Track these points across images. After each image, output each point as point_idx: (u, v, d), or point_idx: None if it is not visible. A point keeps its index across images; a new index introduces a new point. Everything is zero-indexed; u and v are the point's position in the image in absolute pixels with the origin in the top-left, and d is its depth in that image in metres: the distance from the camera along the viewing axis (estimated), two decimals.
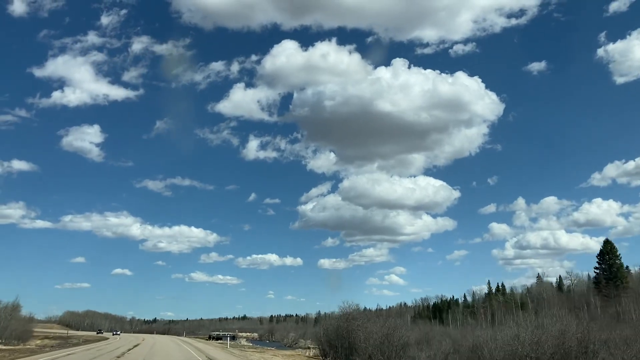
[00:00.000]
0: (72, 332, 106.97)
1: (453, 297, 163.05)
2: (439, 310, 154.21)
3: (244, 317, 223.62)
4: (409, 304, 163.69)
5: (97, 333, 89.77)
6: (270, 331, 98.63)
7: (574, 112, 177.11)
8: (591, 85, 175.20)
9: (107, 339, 79.86)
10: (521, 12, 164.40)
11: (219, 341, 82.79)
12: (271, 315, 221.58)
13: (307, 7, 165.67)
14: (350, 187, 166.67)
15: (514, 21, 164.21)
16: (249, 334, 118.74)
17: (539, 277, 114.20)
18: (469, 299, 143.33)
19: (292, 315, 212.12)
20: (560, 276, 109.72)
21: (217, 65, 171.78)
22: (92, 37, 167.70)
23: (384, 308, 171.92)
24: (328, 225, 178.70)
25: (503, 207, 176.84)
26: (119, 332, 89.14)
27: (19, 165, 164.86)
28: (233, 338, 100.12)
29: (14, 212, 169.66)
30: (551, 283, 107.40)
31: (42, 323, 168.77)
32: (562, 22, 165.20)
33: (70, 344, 62.74)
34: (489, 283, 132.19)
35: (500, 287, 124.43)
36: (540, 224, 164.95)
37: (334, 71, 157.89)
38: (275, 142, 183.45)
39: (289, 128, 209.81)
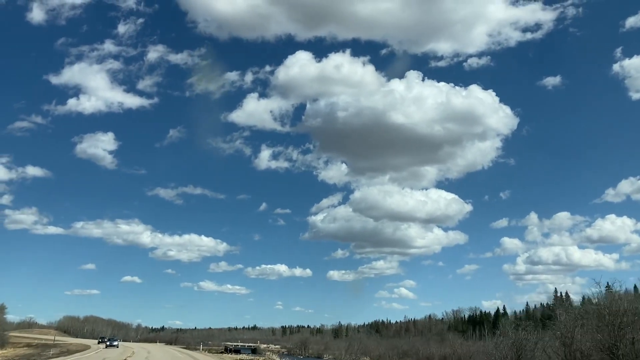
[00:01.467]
0: (63, 339, 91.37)
1: (499, 309, 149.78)
2: (477, 323, 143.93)
3: (255, 327, 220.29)
4: (439, 316, 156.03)
5: (99, 342, 70.44)
6: (303, 343, 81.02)
7: (588, 128, 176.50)
8: (606, 100, 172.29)
9: (88, 348, 63.24)
10: (537, 27, 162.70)
11: (237, 356, 65.85)
12: (284, 326, 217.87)
13: (321, 18, 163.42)
14: (361, 198, 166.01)
15: (529, 35, 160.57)
16: (271, 345, 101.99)
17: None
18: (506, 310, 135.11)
19: (304, 327, 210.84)
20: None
21: (232, 75, 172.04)
22: (108, 46, 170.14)
23: (399, 321, 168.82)
24: (338, 237, 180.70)
25: (515, 221, 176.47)
26: (116, 341, 69.44)
27: (33, 171, 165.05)
28: (254, 351, 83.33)
29: (27, 217, 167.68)
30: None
31: (40, 328, 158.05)
32: (577, 36, 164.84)
33: (43, 356, 46.86)
34: (555, 291, 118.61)
35: (562, 295, 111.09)
36: (552, 240, 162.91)
37: (347, 82, 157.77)
38: (287, 152, 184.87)
39: (301, 139, 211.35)
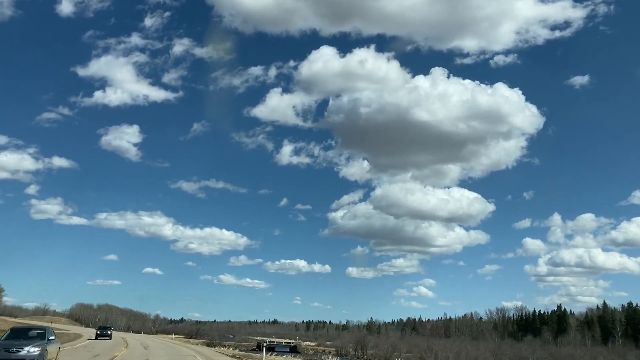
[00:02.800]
0: (64, 328, 76.13)
1: (561, 307, 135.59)
2: (530, 323, 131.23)
3: (275, 322, 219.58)
4: (483, 316, 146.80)
5: (98, 334, 49.26)
6: (360, 343, 62.84)
7: (616, 128, 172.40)
8: (635, 101, 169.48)
9: (79, 337, 46.88)
10: (566, 24, 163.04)
11: (273, 354, 48.73)
12: (308, 321, 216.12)
13: (347, 13, 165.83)
14: (382, 196, 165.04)
15: (557, 33, 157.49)
16: (308, 343, 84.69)
17: None
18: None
19: (327, 322, 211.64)
20: None
21: (256, 70, 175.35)
22: (135, 38, 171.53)
23: (434, 319, 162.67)
24: (358, 234, 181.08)
25: (538, 222, 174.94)
26: (109, 331, 50.63)
27: (59, 162, 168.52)
28: (294, 350, 66.44)
29: (52, 207, 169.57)
30: None
31: (52, 315, 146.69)
32: (608, 35, 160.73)
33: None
34: None
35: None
36: (575, 241, 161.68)
37: (371, 78, 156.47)
38: (309, 148, 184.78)
39: (323, 134, 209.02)
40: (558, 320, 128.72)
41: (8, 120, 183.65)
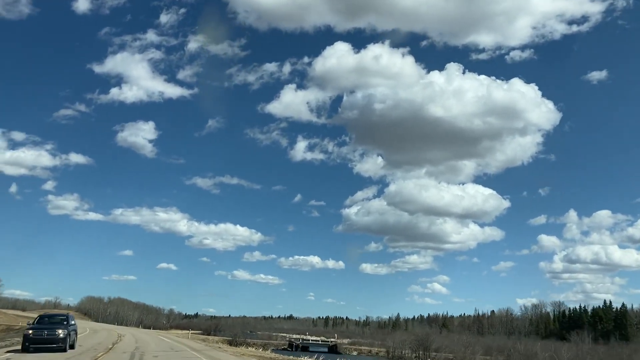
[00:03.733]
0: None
1: (611, 304, 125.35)
2: (575, 321, 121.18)
3: (291, 317, 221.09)
4: (516, 312, 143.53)
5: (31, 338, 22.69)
6: (422, 343, 50.95)
7: (633, 124, 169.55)
8: None
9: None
10: (584, 19, 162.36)
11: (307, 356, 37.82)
12: (326, 317, 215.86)
13: (361, 8, 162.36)
14: (396, 192, 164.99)
15: (575, 28, 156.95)
16: (342, 341, 73.55)
17: None
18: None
19: (344, 318, 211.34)
20: None
21: (270, 67, 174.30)
22: (150, 35, 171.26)
23: (463, 315, 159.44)
24: (372, 230, 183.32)
25: (554, 219, 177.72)
26: (60, 330, 23.29)
27: (76, 158, 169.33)
28: (333, 350, 55.71)
29: (69, 203, 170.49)
30: None
31: (61, 309, 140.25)
32: (626, 29, 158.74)
33: None
34: None
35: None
36: (592, 238, 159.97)
37: (385, 74, 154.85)
38: (323, 144, 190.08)
39: (337, 130, 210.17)
40: (617, 319, 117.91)
41: (26, 117, 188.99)
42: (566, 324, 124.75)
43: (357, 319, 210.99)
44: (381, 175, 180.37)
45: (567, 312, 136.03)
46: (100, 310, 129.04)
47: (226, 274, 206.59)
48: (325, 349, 56.29)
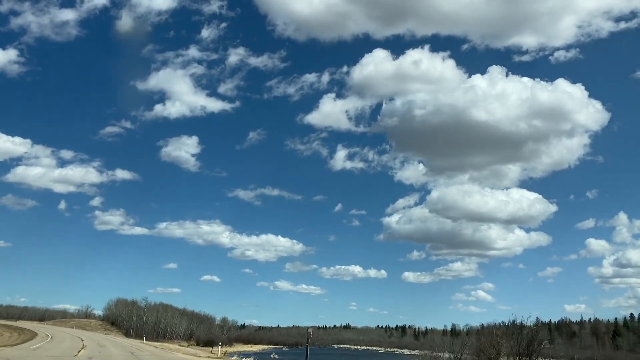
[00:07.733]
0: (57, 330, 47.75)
1: None
2: None
3: (347, 326, 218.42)
4: (601, 319, 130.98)
5: None
6: None
7: None
8: None
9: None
10: (632, 15, 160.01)
11: None
12: (387, 326, 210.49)
13: (400, 14, 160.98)
14: (438, 198, 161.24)
15: (623, 25, 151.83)
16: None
17: None
18: None
19: (398, 327, 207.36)
20: None
21: (310, 77, 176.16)
22: (192, 51, 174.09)
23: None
24: (414, 238, 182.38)
25: (602, 222, 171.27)
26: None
27: (121, 174, 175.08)
28: None
29: (115, 218, 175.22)
30: None
31: (90, 319, 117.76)
32: None
33: None
34: None
35: None
36: None
37: (425, 79, 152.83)
38: (362, 152, 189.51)
39: (377, 139, 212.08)
40: None
41: (74, 136, 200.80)
42: None
43: (417, 328, 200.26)
44: (423, 183, 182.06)
45: None
46: (133, 319, 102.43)
47: (268, 284, 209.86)
48: None
